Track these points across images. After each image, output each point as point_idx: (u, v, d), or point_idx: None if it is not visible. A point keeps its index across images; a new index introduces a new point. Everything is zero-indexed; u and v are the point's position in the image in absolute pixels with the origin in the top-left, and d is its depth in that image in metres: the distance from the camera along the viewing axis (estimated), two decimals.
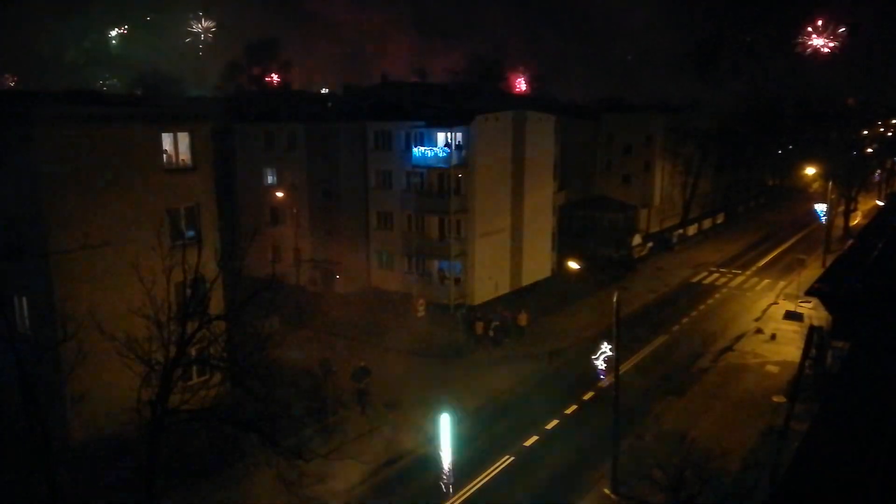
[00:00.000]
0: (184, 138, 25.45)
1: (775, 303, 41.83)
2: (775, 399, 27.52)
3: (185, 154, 25.61)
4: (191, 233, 25.12)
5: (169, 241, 22.99)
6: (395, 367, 31.70)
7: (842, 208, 61.12)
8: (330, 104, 64.34)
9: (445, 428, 19.46)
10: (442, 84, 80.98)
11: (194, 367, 22.41)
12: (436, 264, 41.57)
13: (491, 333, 34.46)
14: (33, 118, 21.67)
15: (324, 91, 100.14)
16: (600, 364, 26.67)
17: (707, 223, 66.94)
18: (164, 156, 25.08)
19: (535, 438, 25.25)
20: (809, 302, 35.85)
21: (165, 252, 18.42)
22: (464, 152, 39.93)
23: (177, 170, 25.29)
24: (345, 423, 25.96)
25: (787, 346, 33.65)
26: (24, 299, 23.46)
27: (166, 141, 25.02)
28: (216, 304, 20.66)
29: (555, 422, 26.53)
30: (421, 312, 36.80)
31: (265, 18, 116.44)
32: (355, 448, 23.54)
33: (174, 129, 25.16)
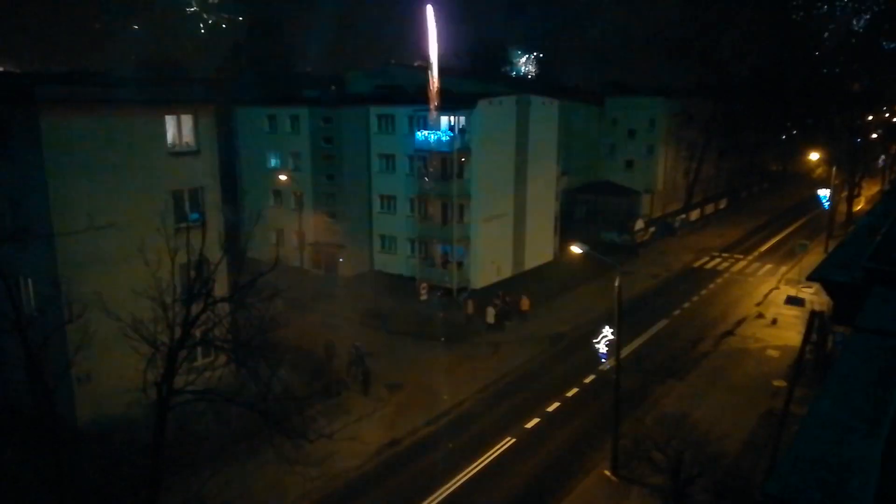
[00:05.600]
0: (187, 121, 25.45)
1: (777, 288, 41.91)
2: (775, 383, 27.70)
3: (188, 137, 25.62)
4: (195, 215, 25.20)
5: (173, 223, 23.08)
6: (398, 349, 31.91)
7: (845, 194, 60.94)
8: (333, 87, 64.08)
9: None
10: (446, 68, 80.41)
11: (199, 349, 22.60)
12: (438, 248, 41.67)
13: (492, 320, 34.55)
14: (37, 100, 21.67)
15: (326, 68, 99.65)
16: (602, 348, 26.81)
17: (710, 208, 66.85)
18: (168, 138, 25.08)
19: (536, 420, 25.49)
20: (811, 287, 35.94)
21: (170, 234, 18.53)
22: (467, 136, 39.86)
23: (181, 152, 25.31)
24: (348, 404, 26.20)
25: (788, 331, 33.78)
26: (30, 280, 23.64)
27: (170, 123, 25.02)
28: (220, 287, 20.80)
29: (556, 404, 26.76)
30: (423, 296, 36.97)
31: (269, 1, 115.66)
32: (358, 429, 23.77)
33: (178, 111, 25.14)
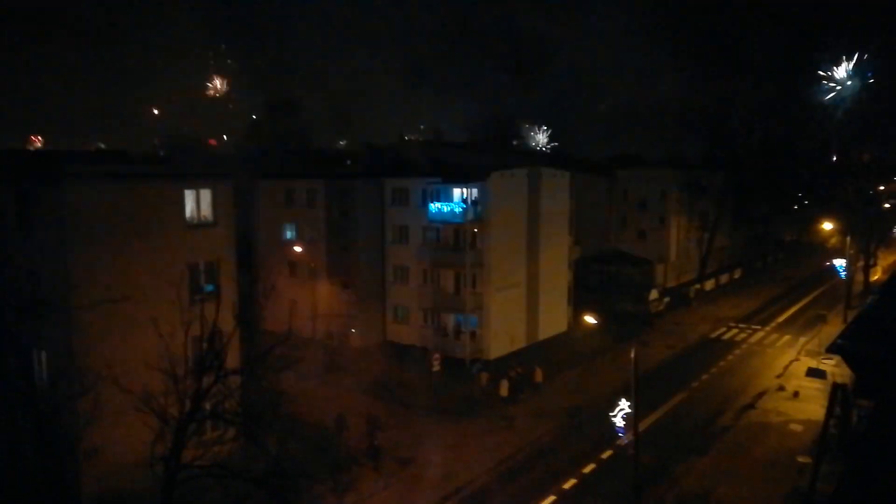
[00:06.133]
0: (206, 195, 25.98)
1: (797, 359, 41.03)
2: (800, 459, 26.69)
3: (206, 210, 26.09)
4: (210, 287, 25.38)
5: (188, 295, 23.26)
6: (410, 423, 31.31)
7: (861, 263, 60.45)
8: (349, 162, 65.69)
9: None
10: (459, 143, 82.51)
11: (208, 422, 22.38)
12: (451, 318, 41.47)
13: (505, 393, 33.96)
14: (63, 177, 22.30)
15: (342, 143, 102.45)
16: (619, 422, 26.12)
17: (724, 278, 66.39)
18: (187, 211, 25.57)
19: (552, 499, 24.63)
20: (832, 359, 35.16)
21: (184, 306, 18.66)
22: (479, 207, 40.33)
23: (198, 225, 25.74)
24: (358, 480, 25.52)
25: (811, 404, 32.85)
26: (44, 353, 23.67)
27: (189, 197, 25.55)
28: (232, 359, 20.73)
29: (573, 481, 25.91)
30: (436, 367, 36.55)
31: (289, 80, 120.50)
32: None
33: (197, 186, 25.73)
